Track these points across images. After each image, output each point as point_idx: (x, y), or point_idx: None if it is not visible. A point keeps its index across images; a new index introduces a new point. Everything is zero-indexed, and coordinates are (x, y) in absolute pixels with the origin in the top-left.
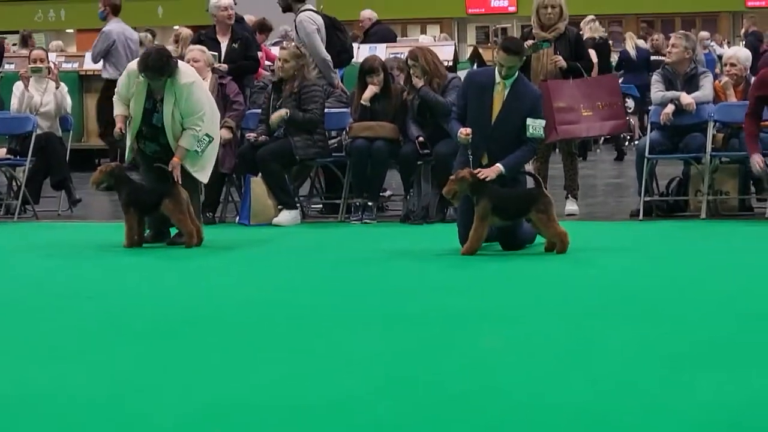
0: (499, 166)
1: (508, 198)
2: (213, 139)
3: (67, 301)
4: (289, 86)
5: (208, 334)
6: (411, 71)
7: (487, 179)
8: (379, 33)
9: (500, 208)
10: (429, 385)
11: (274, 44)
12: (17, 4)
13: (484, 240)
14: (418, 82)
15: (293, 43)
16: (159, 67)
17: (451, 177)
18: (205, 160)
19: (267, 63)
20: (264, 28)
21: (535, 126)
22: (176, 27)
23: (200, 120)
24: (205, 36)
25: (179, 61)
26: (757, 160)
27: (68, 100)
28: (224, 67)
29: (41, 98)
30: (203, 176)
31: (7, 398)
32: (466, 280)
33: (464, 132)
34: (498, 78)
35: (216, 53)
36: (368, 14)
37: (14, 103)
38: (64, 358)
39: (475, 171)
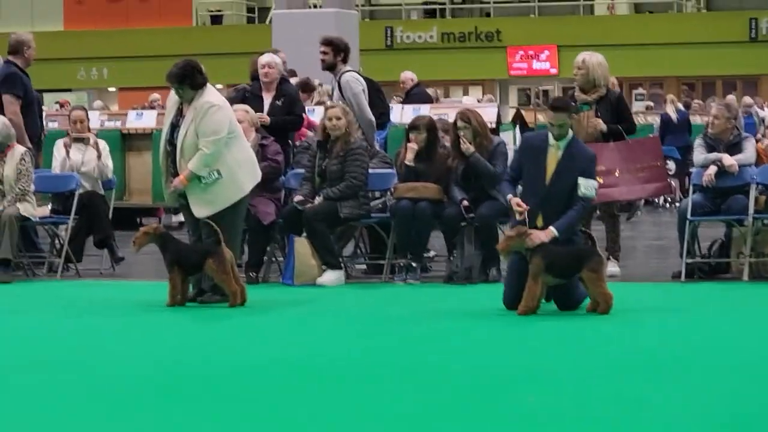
0: (552, 230)
1: (562, 256)
2: (221, 177)
3: (107, 359)
4: (339, 145)
5: (250, 394)
6: (461, 133)
7: (536, 242)
8: (418, 95)
9: (554, 265)
10: None
11: (317, 104)
12: (60, 62)
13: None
14: (469, 148)
15: (339, 102)
16: (179, 74)
17: (508, 233)
18: (208, 195)
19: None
20: (307, 87)
21: (587, 186)
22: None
23: (213, 144)
24: (249, 92)
25: (210, 85)
26: None
27: (110, 167)
28: (266, 119)
29: (82, 157)
30: (199, 210)
31: None
32: (508, 340)
33: (520, 208)
34: (551, 140)
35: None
36: (410, 75)
37: (55, 166)
38: (102, 419)
39: (528, 232)
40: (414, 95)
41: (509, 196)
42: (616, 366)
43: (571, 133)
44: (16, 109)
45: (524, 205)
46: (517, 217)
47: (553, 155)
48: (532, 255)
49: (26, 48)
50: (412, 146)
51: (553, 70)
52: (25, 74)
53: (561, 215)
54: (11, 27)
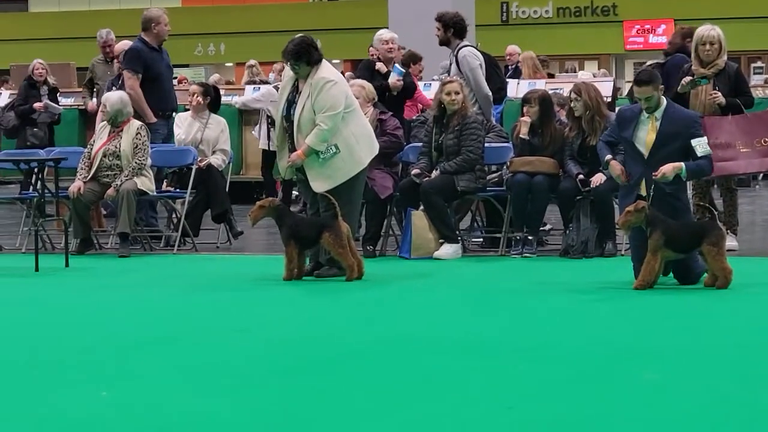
0: (680, 165)
1: (682, 230)
2: (339, 152)
3: (224, 335)
4: (455, 119)
5: (369, 369)
6: (572, 105)
7: (666, 176)
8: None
9: (673, 240)
10: (589, 420)
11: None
12: (177, 38)
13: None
14: (598, 179)
15: (455, 77)
16: (296, 51)
17: (628, 208)
18: (326, 170)
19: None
20: (416, 58)
21: (702, 144)
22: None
23: (331, 119)
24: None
25: (325, 60)
26: None
27: (228, 152)
28: (381, 66)
29: (202, 134)
30: (317, 185)
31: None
32: (625, 314)
33: (619, 173)
34: (645, 112)
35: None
36: (516, 49)
37: (179, 133)
38: (214, 393)
39: (656, 173)
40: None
41: (607, 157)
42: (735, 342)
43: (664, 100)
44: (132, 84)
45: (624, 175)
46: (618, 181)
47: (651, 126)
48: (652, 230)
49: (154, 25)
50: (525, 119)
51: None
52: (156, 50)
53: (667, 181)
54: (131, 4)
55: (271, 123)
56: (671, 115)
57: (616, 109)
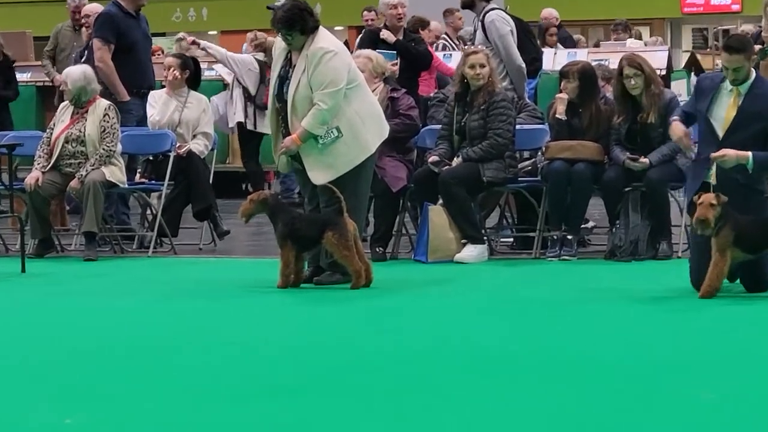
0: (747, 153)
1: (754, 227)
2: (341, 135)
3: (203, 348)
4: (481, 97)
5: (377, 387)
6: (632, 83)
7: (726, 159)
8: (567, 39)
9: (743, 238)
10: None
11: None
12: (152, 2)
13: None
14: (640, 164)
15: (481, 46)
16: (287, 18)
17: (710, 201)
18: (327, 157)
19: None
20: (424, 24)
21: None
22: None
23: (331, 96)
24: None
25: (323, 28)
26: None
27: (212, 136)
28: (391, 36)
29: (180, 114)
30: (317, 176)
31: None
32: (680, 327)
33: (681, 135)
34: (729, 84)
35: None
36: (554, 13)
37: (153, 114)
38: (194, 414)
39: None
40: (563, 40)
41: (672, 117)
42: None
43: (753, 73)
44: (102, 55)
45: (686, 139)
46: (687, 152)
47: (733, 101)
48: (721, 226)
49: None
50: (562, 97)
51: (735, 6)
52: (132, 17)
53: (740, 169)
54: None
55: (248, 98)
56: (757, 90)
57: (671, 84)
